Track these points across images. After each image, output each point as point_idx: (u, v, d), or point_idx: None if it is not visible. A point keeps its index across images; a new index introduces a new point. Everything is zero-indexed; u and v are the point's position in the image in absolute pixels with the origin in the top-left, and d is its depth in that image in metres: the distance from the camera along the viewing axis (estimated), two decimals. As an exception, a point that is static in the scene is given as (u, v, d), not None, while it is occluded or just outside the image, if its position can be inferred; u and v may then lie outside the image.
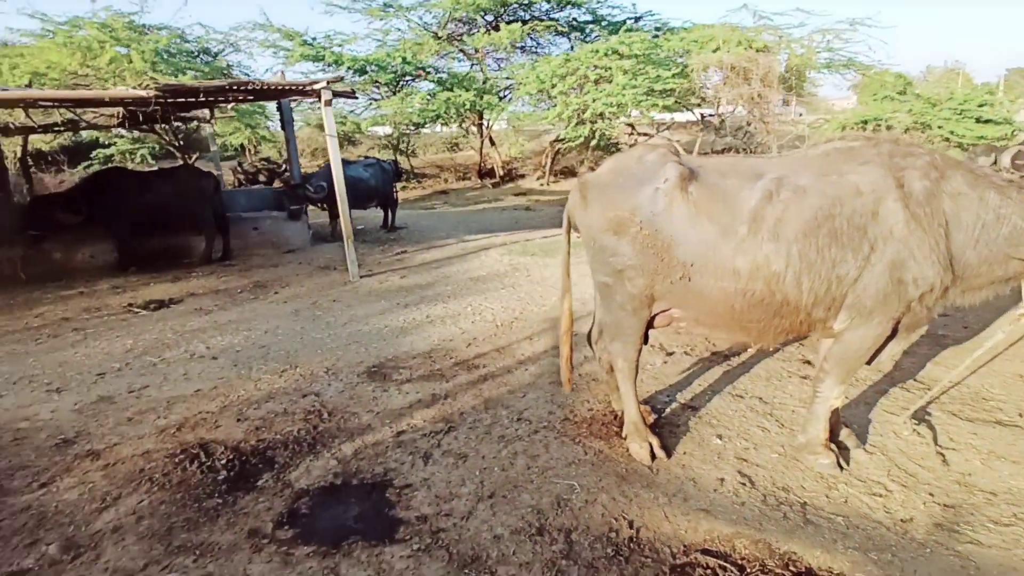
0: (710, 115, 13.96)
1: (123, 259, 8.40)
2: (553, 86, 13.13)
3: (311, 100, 10.80)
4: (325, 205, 10.39)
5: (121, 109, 9.87)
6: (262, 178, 15.81)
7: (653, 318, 3.06)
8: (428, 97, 13.56)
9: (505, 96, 15.37)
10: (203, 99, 6.44)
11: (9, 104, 6.76)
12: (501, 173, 17.27)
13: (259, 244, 9.43)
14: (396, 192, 11.20)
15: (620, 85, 11.80)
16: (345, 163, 10.66)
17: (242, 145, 23.51)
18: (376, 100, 15.97)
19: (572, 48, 16.27)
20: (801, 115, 21.23)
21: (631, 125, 13.43)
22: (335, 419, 3.78)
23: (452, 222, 12.05)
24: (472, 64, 16.34)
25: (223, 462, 3.33)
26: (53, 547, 2.70)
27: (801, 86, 16.65)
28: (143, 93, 5.72)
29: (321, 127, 22.52)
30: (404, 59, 13.63)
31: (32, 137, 14.33)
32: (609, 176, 2.99)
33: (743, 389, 3.95)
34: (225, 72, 15.23)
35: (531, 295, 6.40)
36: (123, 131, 17.24)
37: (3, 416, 4.11)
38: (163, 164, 19.46)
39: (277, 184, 10.85)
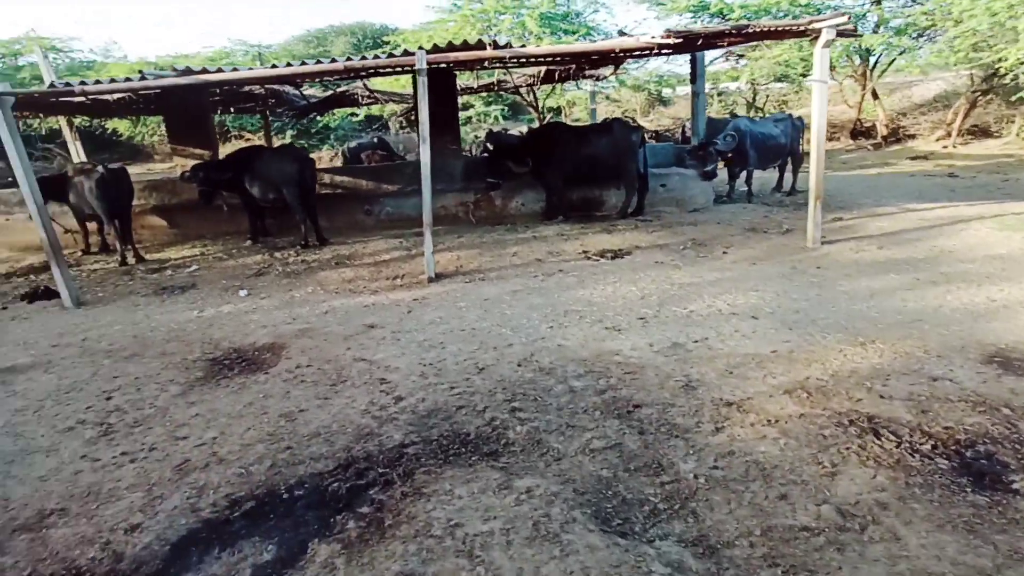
0: None
1: (550, 208, 9.02)
2: (1012, 17, 10.22)
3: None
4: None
5: (542, 69, 10.63)
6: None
7: None
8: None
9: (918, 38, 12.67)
10: (700, 44, 6.23)
11: (521, 57, 7.46)
12: (885, 132, 14.54)
13: (664, 201, 9.29)
14: (801, 151, 10.02)
15: None
16: (750, 120, 9.87)
17: (558, 107, 24.47)
18: (738, 53, 14.72)
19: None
20: None
21: None
22: (1034, 419, 3.03)
23: (858, 188, 10.38)
24: (870, 1, 13.83)
25: (927, 447, 2.85)
26: (825, 508, 2.49)
27: None
28: (663, 40, 5.68)
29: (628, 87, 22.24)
30: (807, 1, 12.07)
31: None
32: None
33: None
34: (590, 31, 15.60)
35: None
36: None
37: (590, 347, 4.37)
38: (506, 125, 21.39)
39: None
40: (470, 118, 21.52)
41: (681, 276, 5.98)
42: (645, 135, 8.92)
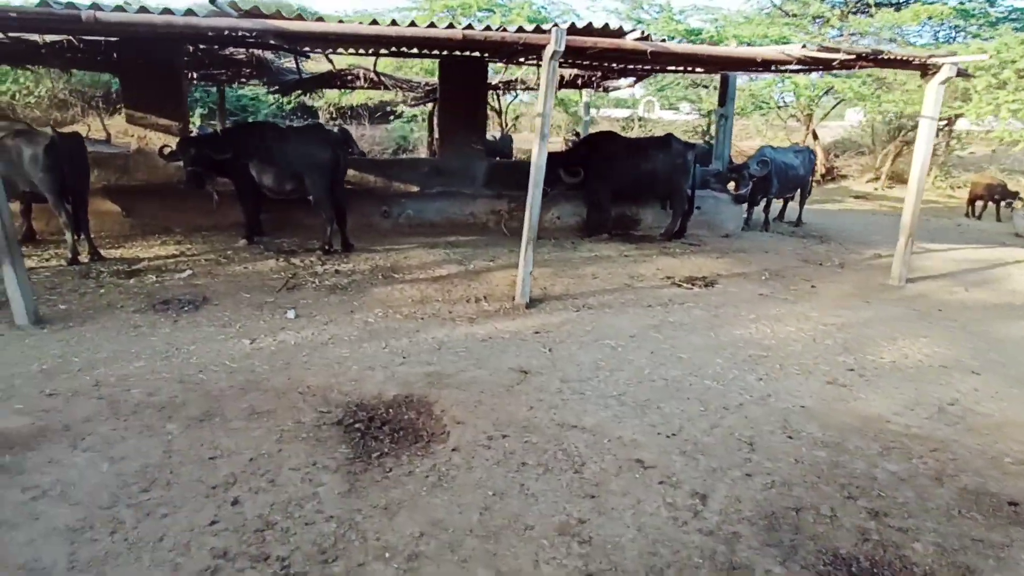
0: None
1: (592, 225, 8.18)
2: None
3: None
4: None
5: (572, 72, 9.74)
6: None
7: None
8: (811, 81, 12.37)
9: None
10: (833, 64, 5.87)
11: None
12: (823, 171, 15.68)
13: (696, 224, 8.84)
14: (810, 184, 10.19)
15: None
16: (773, 148, 9.83)
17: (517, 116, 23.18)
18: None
19: (935, 43, 14.26)
20: None
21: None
22: None
23: (851, 225, 10.69)
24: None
25: None
26: None
27: None
28: (810, 54, 5.17)
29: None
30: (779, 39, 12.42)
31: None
32: None
33: None
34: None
35: None
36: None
37: (839, 409, 3.65)
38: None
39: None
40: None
41: (817, 314, 5.47)
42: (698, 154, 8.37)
